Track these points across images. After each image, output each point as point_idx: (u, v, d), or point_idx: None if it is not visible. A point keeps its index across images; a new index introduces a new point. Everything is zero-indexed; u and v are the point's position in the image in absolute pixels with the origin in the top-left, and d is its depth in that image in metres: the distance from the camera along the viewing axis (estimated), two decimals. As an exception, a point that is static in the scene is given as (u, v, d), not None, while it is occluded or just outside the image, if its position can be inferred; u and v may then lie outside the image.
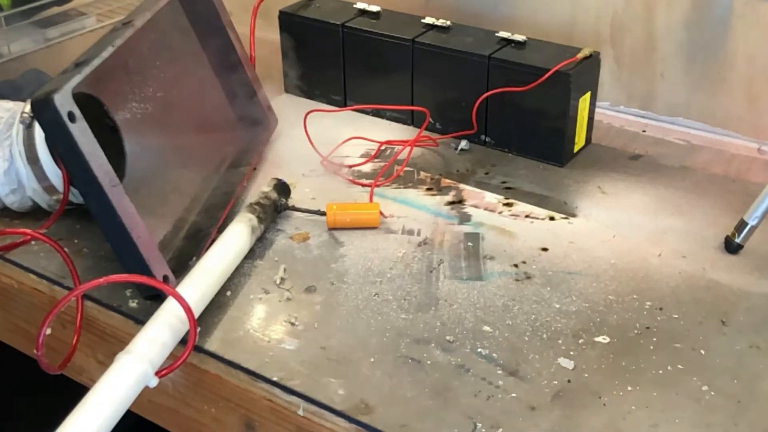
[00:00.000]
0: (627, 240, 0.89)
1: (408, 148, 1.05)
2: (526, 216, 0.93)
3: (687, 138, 1.08)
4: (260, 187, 0.94)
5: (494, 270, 0.84)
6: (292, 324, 0.78)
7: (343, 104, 1.16)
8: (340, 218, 0.90)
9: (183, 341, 0.72)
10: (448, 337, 0.75)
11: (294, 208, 0.93)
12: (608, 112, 1.14)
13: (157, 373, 0.69)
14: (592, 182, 0.99)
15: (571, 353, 0.74)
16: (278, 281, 0.83)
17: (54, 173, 0.85)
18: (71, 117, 0.73)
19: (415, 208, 0.94)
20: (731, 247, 0.86)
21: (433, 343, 0.75)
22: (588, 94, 1.02)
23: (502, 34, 1.05)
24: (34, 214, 0.91)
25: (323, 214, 0.91)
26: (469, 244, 0.88)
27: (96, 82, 0.82)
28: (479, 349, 0.74)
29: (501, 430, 0.66)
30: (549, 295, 0.81)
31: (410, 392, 0.70)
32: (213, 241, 0.84)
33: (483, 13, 1.17)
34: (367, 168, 1.03)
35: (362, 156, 1.05)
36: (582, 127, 1.03)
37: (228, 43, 1.04)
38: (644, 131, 1.10)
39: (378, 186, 0.98)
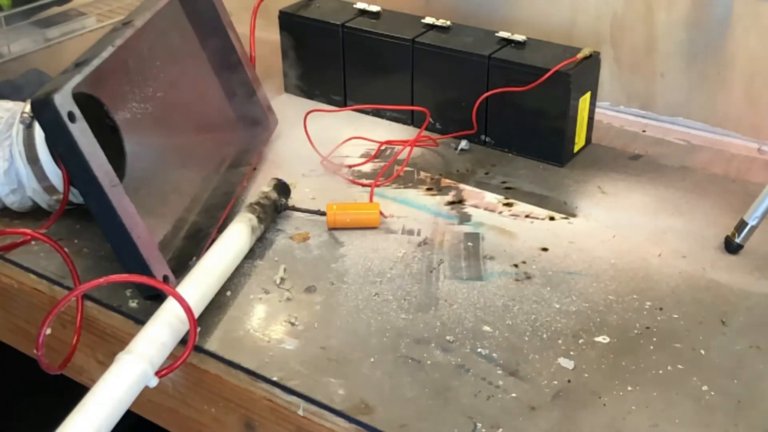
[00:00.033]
0: (627, 240, 0.89)
1: (408, 148, 1.05)
2: (526, 216, 0.93)
3: (687, 138, 1.08)
4: (260, 187, 0.94)
5: (494, 270, 0.84)
6: (292, 324, 0.78)
7: (343, 104, 1.16)
8: (340, 218, 0.90)
9: (183, 341, 0.72)
10: (448, 337, 0.75)
11: (294, 208, 0.93)
12: (608, 112, 1.14)
13: (157, 373, 0.69)
14: (592, 182, 0.99)
15: (571, 353, 0.74)
16: (278, 281, 0.83)
17: (54, 173, 0.85)
18: (71, 117, 0.73)
19: (415, 208, 0.94)
20: (731, 247, 0.86)
21: (433, 343, 0.75)
22: (588, 94, 1.02)
23: (502, 34, 1.05)
24: (34, 214, 0.91)
25: (323, 214, 0.91)
26: (469, 244, 0.88)
27: (96, 82, 0.82)
28: (479, 349, 0.74)
29: (501, 430, 0.66)
30: (549, 295, 0.81)
31: (410, 392, 0.70)
32: (213, 241, 0.84)
33: (483, 13, 1.17)
34: (367, 168, 1.03)
35: (362, 156, 1.05)
36: (582, 127, 1.03)
37: (228, 43, 1.04)
38: (644, 131, 1.10)
39: (378, 186, 0.98)
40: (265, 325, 0.78)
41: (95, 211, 0.76)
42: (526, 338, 0.75)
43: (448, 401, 0.69)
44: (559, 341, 0.75)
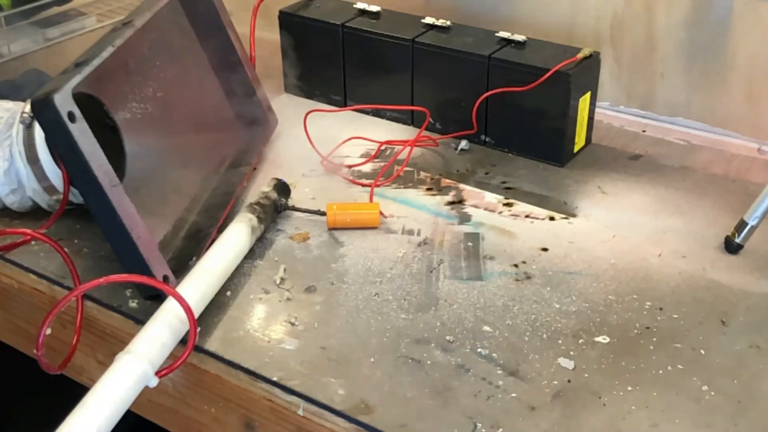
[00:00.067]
0: (627, 240, 0.89)
1: (408, 148, 1.05)
2: (526, 216, 0.93)
3: (687, 138, 1.08)
4: (260, 187, 0.94)
5: (494, 270, 0.84)
6: (292, 324, 0.78)
7: (343, 104, 1.16)
8: (340, 218, 0.90)
9: (183, 341, 0.72)
10: (448, 337, 0.75)
11: (294, 208, 0.93)
12: (608, 112, 1.14)
13: (157, 373, 0.69)
14: (592, 182, 0.99)
15: (571, 353, 0.74)
16: (278, 281, 0.83)
17: (54, 173, 0.85)
18: (71, 117, 0.73)
19: (415, 208, 0.94)
20: (731, 247, 0.86)
21: (433, 343, 0.75)
22: (588, 94, 1.02)
23: (502, 34, 1.05)
24: (34, 214, 0.91)
25: (323, 214, 0.91)
26: (469, 244, 0.88)
27: (96, 82, 0.82)
28: (479, 349, 0.74)
29: (501, 430, 0.66)
30: (549, 295, 0.81)
31: (410, 392, 0.70)
32: (213, 241, 0.84)
33: (483, 13, 1.17)
34: (367, 168, 1.03)
35: (362, 156, 1.05)
36: (582, 127, 1.03)
37: (228, 43, 1.04)
38: (644, 131, 1.10)
39: (378, 186, 0.98)
40: (265, 325, 0.78)
41: (95, 211, 0.76)
42: (526, 338, 0.75)
43: (448, 401, 0.69)
44: (559, 341, 0.75)
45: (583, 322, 0.77)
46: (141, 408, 0.78)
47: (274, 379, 0.71)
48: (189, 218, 0.90)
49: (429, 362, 0.73)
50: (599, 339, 0.75)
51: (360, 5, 1.15)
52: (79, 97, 0.75)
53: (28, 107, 0.84)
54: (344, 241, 0.89)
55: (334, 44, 1.13)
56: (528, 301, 0.80)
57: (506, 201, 0.96)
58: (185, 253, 0.84)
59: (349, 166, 1.03)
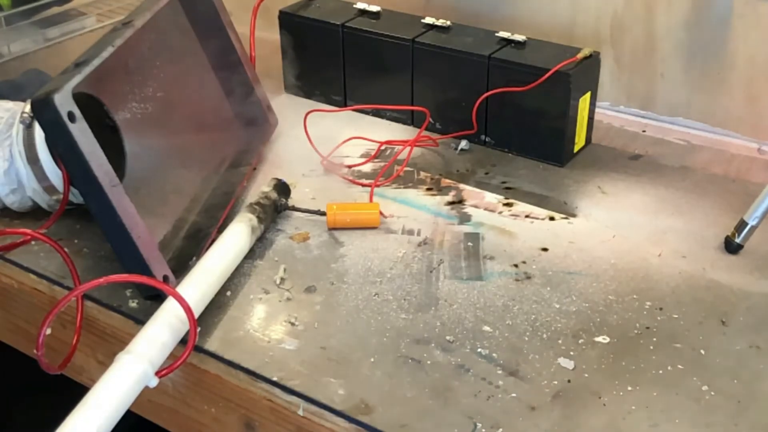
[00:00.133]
0: (627, 240, 0.89)
1: (408, 148, 1.05)
2: (526, 216, 0.93)
3: (687, 138, 1.08)
4: (260, 187, 0.94)
5: (494, 270, 0.84)
6: (292, 324, 0.78)
7: (343, 104, 1.16)
8: (340, 218, 0.90)
9: (183, 341, 0.72)
10: (448, 337, 0.75)
11: (294, 208, 0.93)
12: (608, 112, 1.14)
13: (157, 373, 0.69)
14: (592, 182, 0.99)
15: (571, 353, 0.74)
16: (278, 281, 0.83)
17: (54, 173, 0.85)
18: (71, 117, 0.73)
19: (415, 208, 0.94)
20: (731, 247, 0.86)
21: (433, 343, 0.75)
22: (588, 94, 1.02)
23: (502, 34, 1.05)
24: (34, 214, 0.91)
25: (323, 214, 0.91)
26: (469, 244, 0.88)
27: (96, 82, 0.82)
28: (479, 349, 0.74)
29: (501, 430, 0.66)
30: (549, 295, 0.81)
31: (410, 392, 0.70)
32: (213, 241, 0.84)
33: (483, 13, 1.17)
34: (367, 168, 1.03)
35: (362, 156, 1.05)
36: (582, 127, 1.03)
37: (228, 43, 1.04)
38: (644, 131, 1.10)
39: (378, 186, 0.98)
40: (265, 325, 0.78)
41: (95, 211, 0.76)
42: (526, 338, 0.75)
43: (448, 401, 0.69)
44: (559, 341, 0.75)
45: (583, 322, 0.77)
46: (141, 408, 0.78)
47: (274, 379, 0.71)
48: (189, 218, 0.90)
49: (429, 362, 0.73)
50: (599, 339, 0.75)
51: (360, 5, 1.15)
52: (79, 97, 0.75)
53: (28, 107, 0.84)
54: (344, 241, 0.89)
55: (334, 44, 1.13)
56: (528, 301, 0.80)
57: (506, 201, 0.96)
58: (185, 253, 0.84)
59: (349, 166, 1.03)
